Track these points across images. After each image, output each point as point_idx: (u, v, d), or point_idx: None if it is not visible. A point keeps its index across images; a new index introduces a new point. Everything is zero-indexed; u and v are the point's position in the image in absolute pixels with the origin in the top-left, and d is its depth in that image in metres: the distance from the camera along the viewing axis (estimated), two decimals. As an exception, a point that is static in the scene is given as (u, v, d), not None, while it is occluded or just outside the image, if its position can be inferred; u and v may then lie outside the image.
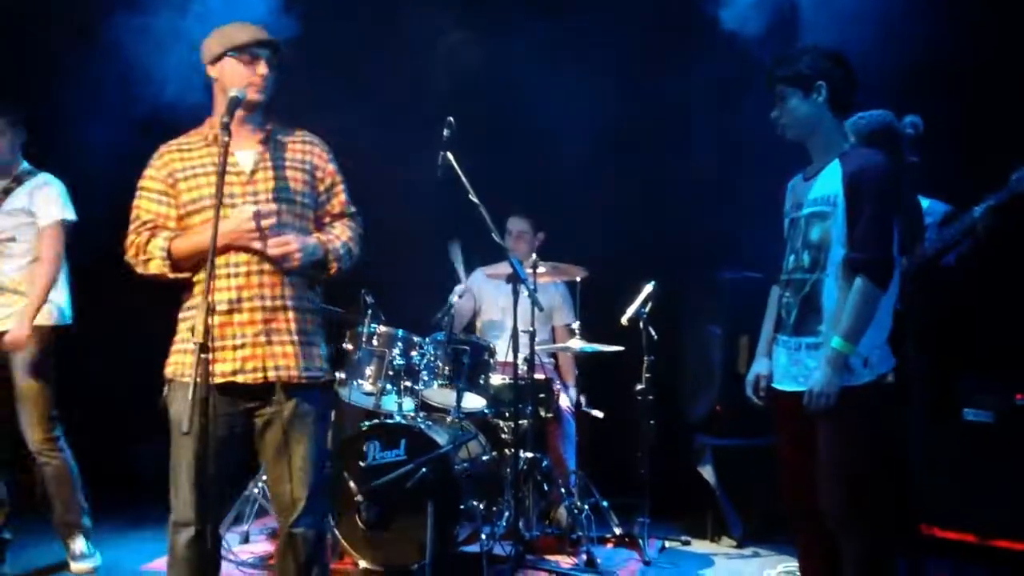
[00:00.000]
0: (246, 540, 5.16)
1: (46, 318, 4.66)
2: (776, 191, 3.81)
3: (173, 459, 3.25)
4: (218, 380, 3.20)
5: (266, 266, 3.30)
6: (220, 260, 3.24)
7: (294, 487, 3.30)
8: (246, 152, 3.35)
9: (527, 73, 6.06)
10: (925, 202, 4.17)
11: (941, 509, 4.80)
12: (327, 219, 3.49)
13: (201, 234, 3.24)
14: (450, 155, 4.80)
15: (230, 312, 3.25)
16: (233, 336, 3.26)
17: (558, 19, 6.07)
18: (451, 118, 4.79)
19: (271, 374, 3.29)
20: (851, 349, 3.37)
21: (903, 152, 4.13)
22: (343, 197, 3.51)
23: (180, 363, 3.29)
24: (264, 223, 3.24)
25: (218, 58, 3.35)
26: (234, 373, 3.26)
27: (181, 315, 3.38)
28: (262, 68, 3.34)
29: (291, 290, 3.33)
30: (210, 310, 2.96)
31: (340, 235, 3.46)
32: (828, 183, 3.50)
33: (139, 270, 3.32)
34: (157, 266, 3.28)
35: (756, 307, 3.91)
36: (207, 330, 2.94)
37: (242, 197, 3.30)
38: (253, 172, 3.33)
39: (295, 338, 3.32)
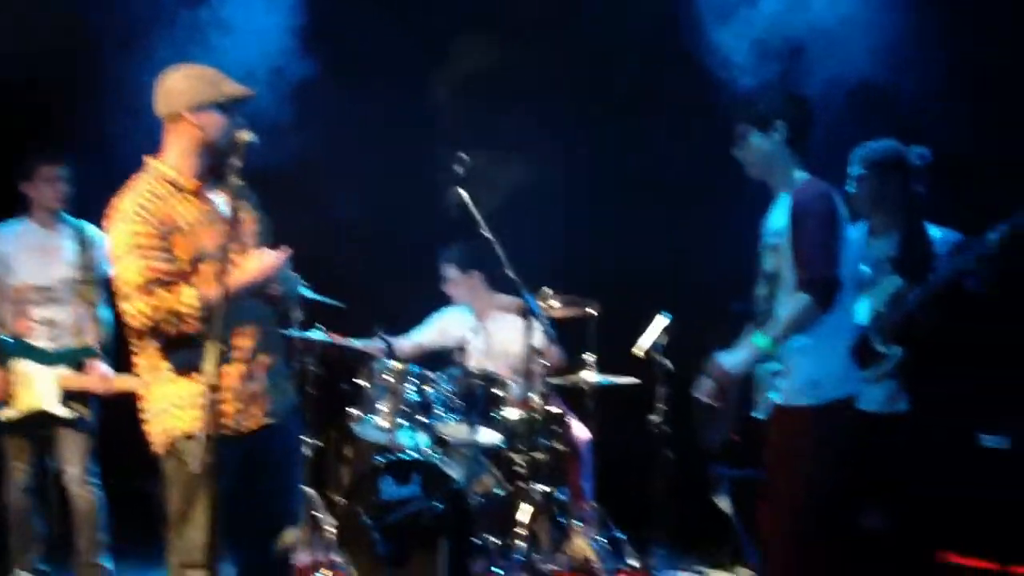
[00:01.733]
0: None
1: None
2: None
3: (183, 505, 3.23)
4: (248, 427, 3.31)
5: (268, 310, 3.40)
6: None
7: (292, 506, 3.48)
8: (220, 198, 3.35)
9: (538, 108, 6.12)
10: (937, 232, 4.18)
11: (960, 536, 4.77)
12: None
13: (233, 278, 3.18)
14: (462, 191, 4.87)
15: (250, 359, 3.31)
16: (253, 381, 3.32)
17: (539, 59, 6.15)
18: (464, 154, 4.86)
19: (280, 408, 3.40)
20: (769, 347, 3.53)
21: (910, 182, 4.17)
22: None
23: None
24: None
25: (204, 106, 3.29)
26: (264, 415, 3.35)
27: (178, 371, 3.28)
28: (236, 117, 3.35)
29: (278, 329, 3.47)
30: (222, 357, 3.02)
31: None
32: (780, 216, 3.64)
33: (169, 330, 3.19)
34: (193, 324, 3.19)
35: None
36: (220, 374, 3.01)
37: (234, 244, 3.26)
38: (234, 218, 3.27)
39: (286, 370, 3.49)
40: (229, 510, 3.07)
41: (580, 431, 5.61)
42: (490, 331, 5.55)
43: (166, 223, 3.26)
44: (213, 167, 3.35)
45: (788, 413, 3.55)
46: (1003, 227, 3.83)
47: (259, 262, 3.27)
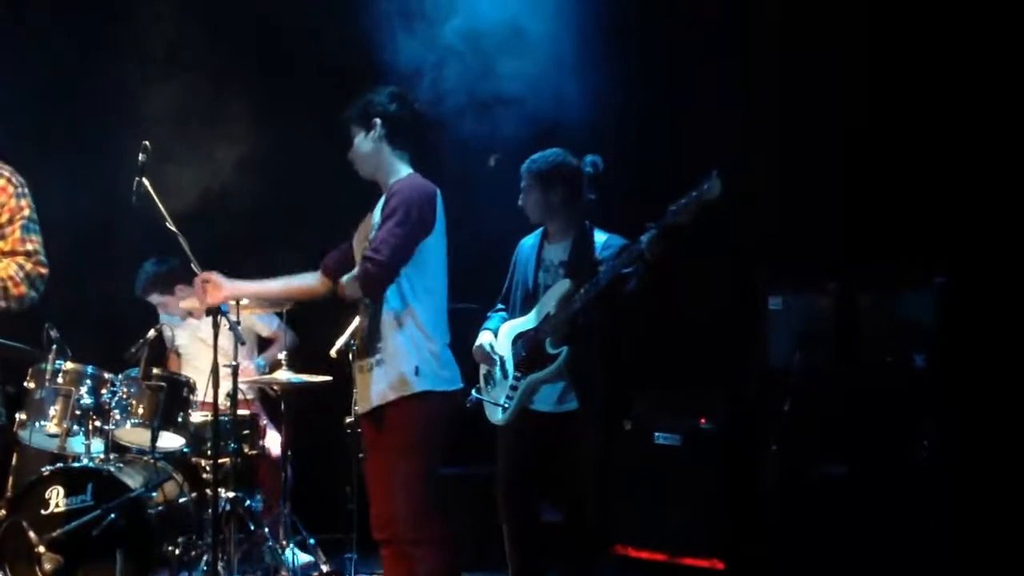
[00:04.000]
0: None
1: None
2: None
3: None
4: None
5: None
6: None
7: None
8: None
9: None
10: (603, 236, 4.37)
11: (634, 529, 5.03)
12: None
13: None
14: (146, 181, 4.60)
15: None
16: None
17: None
18: (147, 142, 4.59)
19: None
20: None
21: (581, 189, 4.32)
22: (18, 235, 3.35)
23: None
24: None
25: None
26: None
27: None
28: None
29: None
30: None
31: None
32: (378, 211, 3.71)
33: None
34: None
35: (467, 336, 4.02)
36: None
37: None
38: None
39: None
40: None
41: (273, 439, 5.45)
42: (176, 331, 5.30)
43: None
44: None
45: (389, 407, 3.59)
46: (650, 231, 4.03)
47: None
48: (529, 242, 4.47)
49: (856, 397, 4.59)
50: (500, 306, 4.55)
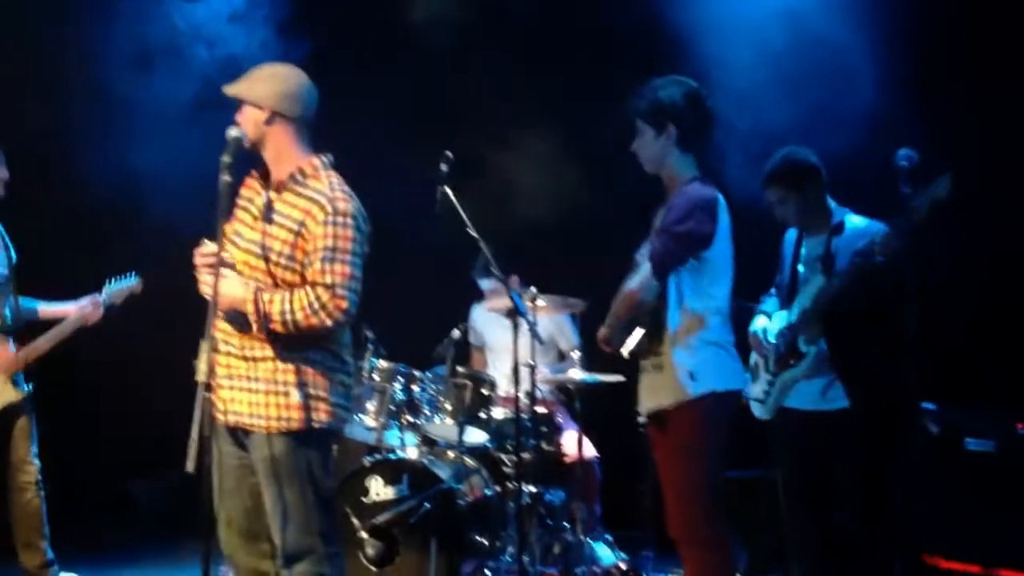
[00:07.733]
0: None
1: None
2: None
3: None
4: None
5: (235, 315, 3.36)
6: None
7: (272, 530, 3.40)
8: (260, 197, 3.45)
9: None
10: (862, 223, 4.21)
11: (945, 539, 4.79)
12: (302, 283, 3.34)
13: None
14: (448, 190, 4.83)
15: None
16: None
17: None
18: (449, 152, 4.82)
19: (231, 418, 3.38)
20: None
21: (824, 181, 4.20)
22: (318, 266, 3.29)
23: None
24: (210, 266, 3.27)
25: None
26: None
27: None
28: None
29: (248, 340, 3.35)
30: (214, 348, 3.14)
31: (287, 298, 3.29)
32: (658, 220, 3.69)
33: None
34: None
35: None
36: (211, 369, 3.10)
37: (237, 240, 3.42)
38: (256, 218, 3.40)
39: (251, 385, 3.35)
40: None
41: (570, 438, 5.56)
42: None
43: None
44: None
45: (668, 411, 3.62)
46: (886, 230, 3.88)
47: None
48: (792, 235, 4.41)
49: None
50: (772, 291, 4.50)
